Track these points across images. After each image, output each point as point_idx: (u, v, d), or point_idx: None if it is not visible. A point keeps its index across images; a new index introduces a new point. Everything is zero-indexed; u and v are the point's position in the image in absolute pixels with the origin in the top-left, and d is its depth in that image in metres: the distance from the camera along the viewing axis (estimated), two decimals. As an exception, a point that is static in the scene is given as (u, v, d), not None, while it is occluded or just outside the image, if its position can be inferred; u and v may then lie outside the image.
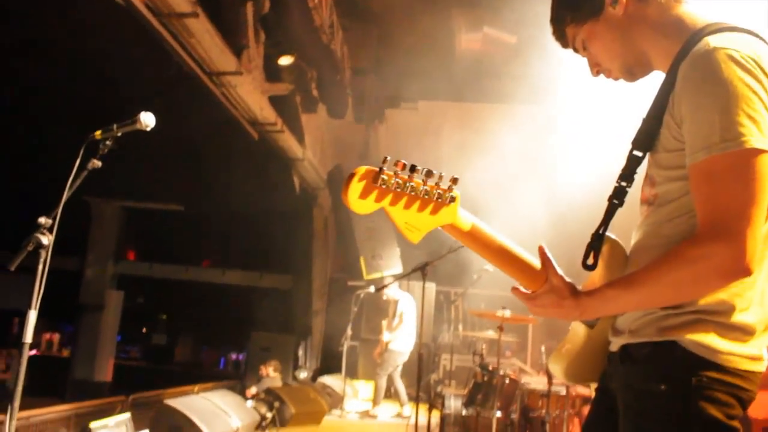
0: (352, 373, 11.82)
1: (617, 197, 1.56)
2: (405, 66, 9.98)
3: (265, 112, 8.57)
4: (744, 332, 1.37)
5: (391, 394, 9.14)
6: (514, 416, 5.24)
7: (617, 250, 1.56)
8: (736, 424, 1.40)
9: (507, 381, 5.24)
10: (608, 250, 1.55)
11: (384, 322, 8.93)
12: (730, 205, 1.22)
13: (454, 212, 1.36)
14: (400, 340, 8.42)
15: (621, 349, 1.51)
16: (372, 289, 9.89)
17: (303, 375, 11.92)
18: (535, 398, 5.27)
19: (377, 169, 1.27)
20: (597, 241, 1.52)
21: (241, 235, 14.24)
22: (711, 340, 1.35)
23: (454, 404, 5.77)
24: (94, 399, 11.40)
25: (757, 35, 1.39)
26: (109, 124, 2.67)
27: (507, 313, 5.30)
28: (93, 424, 4.59)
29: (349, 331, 10.43)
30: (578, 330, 1.63)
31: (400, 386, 8.64)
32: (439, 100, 12.21)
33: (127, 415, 5.07)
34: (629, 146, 1.54)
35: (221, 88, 7.41)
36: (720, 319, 1.36)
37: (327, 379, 10.15)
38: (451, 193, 1.34)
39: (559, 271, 1.48)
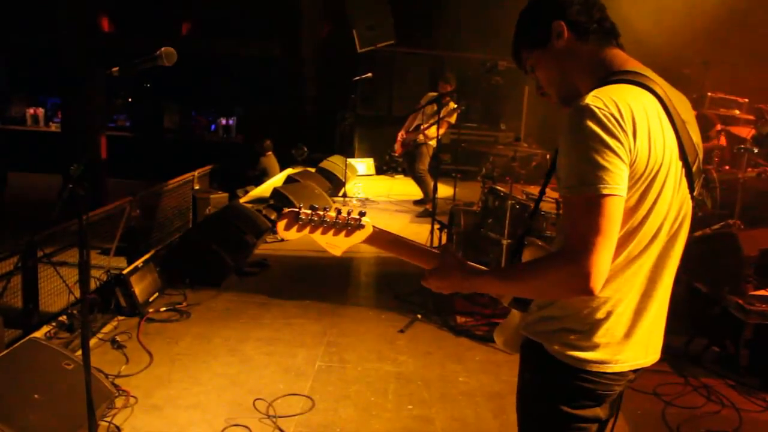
0: (348, 152, 11.94)
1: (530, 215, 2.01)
2: None
3: None
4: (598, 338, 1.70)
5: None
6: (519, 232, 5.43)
7: (536, 252, 1.91)
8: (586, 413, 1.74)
9: (517, 206, 5.35)
10: (529, 253, 1.93)
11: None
12: (582, 234, 1.51)
13: (365, 233, 1.82)
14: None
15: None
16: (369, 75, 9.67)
17: (301, 156, 11.99)
18: (540, 221, 5.40)
19: (296, 210, 1.77)
20: (518, 245, 1.98)
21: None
22: (572, 350, 1.69)
23: (464, 221, 5.92)
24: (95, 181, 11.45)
25: (643, 85, 1.62)
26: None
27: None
28: (126, 272, 4.71)
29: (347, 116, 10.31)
30: (515, 311, 1.96)
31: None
32: None
33: (150, 253, 5.19)
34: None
35: None
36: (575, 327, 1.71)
37: (326, 163, 10.24)
38: (360, 223, 1.80)
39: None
